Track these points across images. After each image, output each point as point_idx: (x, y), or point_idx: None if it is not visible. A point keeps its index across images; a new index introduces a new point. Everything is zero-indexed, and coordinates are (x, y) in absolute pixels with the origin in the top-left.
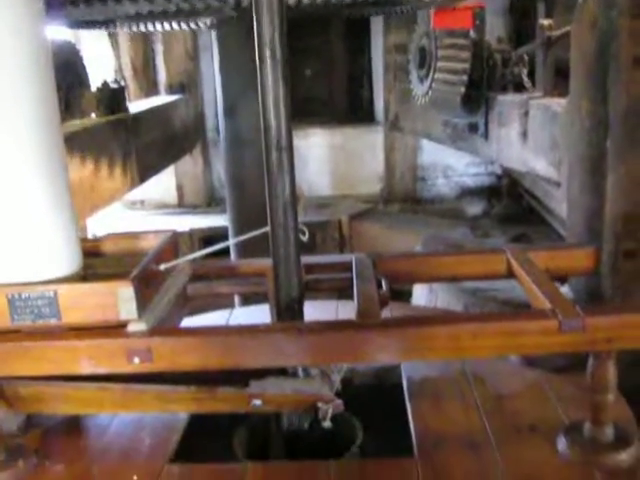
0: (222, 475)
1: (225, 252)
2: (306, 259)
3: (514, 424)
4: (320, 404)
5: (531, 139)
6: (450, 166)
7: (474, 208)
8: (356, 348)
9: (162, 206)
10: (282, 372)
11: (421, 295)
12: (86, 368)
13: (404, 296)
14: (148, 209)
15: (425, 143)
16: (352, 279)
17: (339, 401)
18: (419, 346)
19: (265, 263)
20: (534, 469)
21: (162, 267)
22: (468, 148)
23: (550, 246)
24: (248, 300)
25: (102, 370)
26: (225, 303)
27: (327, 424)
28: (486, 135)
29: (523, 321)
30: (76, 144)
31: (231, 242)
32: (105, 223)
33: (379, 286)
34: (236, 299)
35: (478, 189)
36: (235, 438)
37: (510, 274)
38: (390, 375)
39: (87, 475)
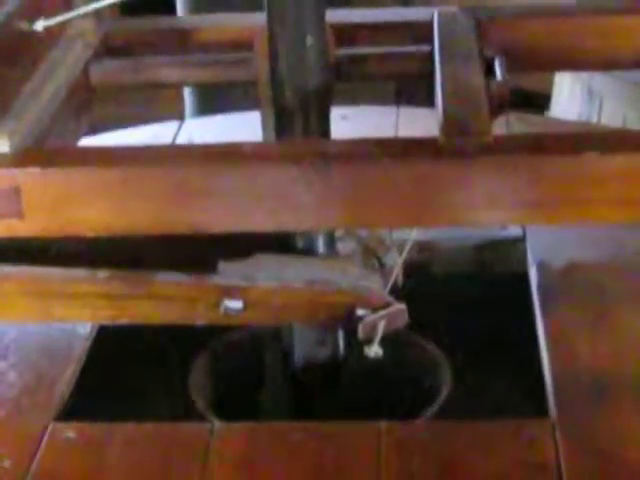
0: (159, 440)
1: (165, 10)
2: (338, 14)
3: None
4: (360, 311)
5: None
6: None
7: None
8: (436, 197)
9: None
10: (284, 246)
11: (570, 102)
12: None
13: (535, 104)
14: None
15: None
16: (432, 56)
17: (400, 306)
18: (562, 197)
19: (252, 21)
20: None
21: (39, 26)
22: None
23: None
24: (214, 105)
25: None
26: (168, 113)
27: (374, 351)
28: None
29: None
30: None
31: None
32: None
33: (488, 72)
34: (187, 104)
35: None
36: (190, 376)
37: None
38: (503, 259)
39: None
